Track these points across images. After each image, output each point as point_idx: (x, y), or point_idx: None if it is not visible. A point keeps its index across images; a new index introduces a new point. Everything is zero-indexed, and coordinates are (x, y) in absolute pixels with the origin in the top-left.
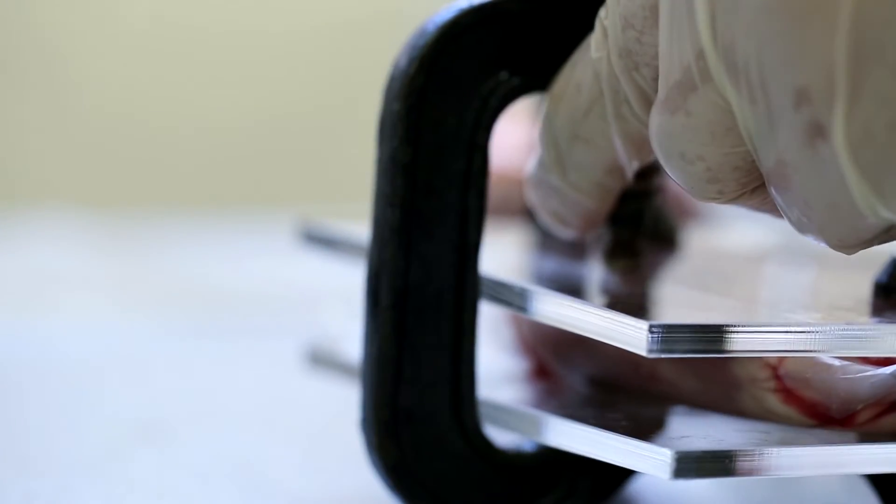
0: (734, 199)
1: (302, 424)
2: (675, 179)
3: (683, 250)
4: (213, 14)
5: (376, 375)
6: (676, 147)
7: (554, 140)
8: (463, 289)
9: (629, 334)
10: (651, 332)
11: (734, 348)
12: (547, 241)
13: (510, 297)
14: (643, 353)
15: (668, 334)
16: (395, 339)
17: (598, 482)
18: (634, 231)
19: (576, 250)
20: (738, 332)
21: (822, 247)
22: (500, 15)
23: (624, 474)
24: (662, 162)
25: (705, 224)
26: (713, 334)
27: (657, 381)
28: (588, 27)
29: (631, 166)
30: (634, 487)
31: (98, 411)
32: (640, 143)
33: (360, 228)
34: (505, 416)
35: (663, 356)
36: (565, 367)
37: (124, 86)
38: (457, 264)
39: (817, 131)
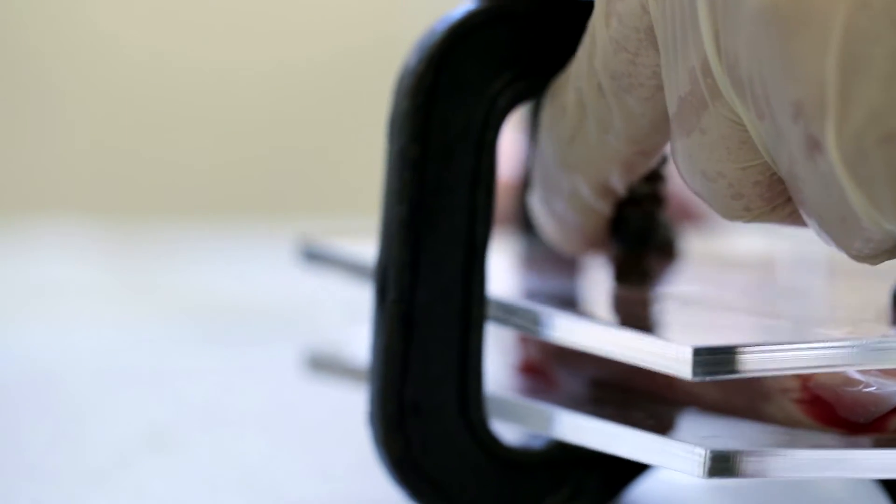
0: (761, 216)
1: (309, 431)
2: (702, 200)
3: (689, 260)
4: (219, 22)
5: (383, 369)
6: (697, 166)
7: (545, 165)
8: (470, 284)
9: (672, 357)
10: (696, 355)
11: (779, 367)
12: (534, 252)
13: (532, 321)
14: (688, 377)
15: (713, 356)
16: (402, 332)
17: (606, 480)
18: (642, 245)
19: (566, 262)
20: (782, 350)
21: (828, 254)
22: (508, 16)
23: (632, 472)
24: (687, 183)
25: (708, 229)
26: (758, 354)
27: (673, 390)
28: None
29: (621, 186)
30: (640, 487)
31: (105, 419)
32: (627, 165)
33: (361, 247)
34: (522, 412)
35: (707, 379)
36: (568, 370)
37: (128, 93)
38: (465, 260)
39: (814, 144)
